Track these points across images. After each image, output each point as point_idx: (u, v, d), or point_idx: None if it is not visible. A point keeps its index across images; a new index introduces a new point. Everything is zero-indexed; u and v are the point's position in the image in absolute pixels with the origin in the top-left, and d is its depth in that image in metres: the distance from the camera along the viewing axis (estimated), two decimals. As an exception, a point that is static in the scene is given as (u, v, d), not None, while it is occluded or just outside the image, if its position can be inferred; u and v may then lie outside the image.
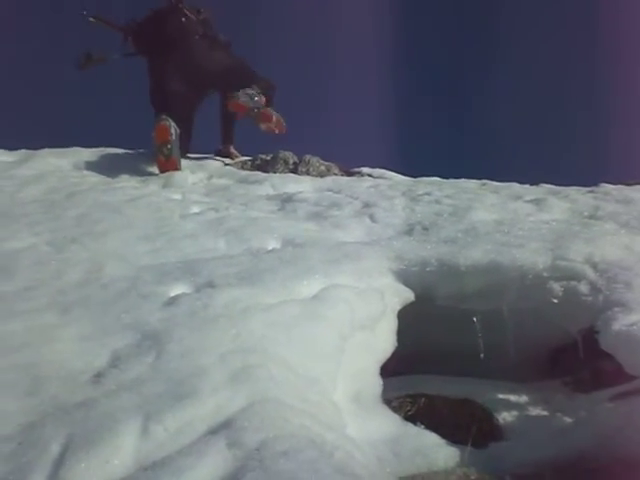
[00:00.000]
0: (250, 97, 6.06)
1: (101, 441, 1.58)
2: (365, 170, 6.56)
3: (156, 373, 1.90)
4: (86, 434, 1.61)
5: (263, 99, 6.19)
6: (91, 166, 5.71)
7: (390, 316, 2.68)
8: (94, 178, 5.26)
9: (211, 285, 2.55)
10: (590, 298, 2.72)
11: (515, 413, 2.83)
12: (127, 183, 5.06)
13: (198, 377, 1.84)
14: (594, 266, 2.88)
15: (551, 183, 5.68)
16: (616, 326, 2.41)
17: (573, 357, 2.94)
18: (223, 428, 1.61)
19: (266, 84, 6.39)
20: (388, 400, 2.62)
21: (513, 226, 3.45)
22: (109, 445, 1.57)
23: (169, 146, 5.49)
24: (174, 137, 5.53)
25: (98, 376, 1.93)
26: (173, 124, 5.58)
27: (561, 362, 3.32)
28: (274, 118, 6.22)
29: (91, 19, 6.38)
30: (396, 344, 2.63)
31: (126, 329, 2.22)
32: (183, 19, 6.25)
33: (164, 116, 5.62)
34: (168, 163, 5.50)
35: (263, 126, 6.20)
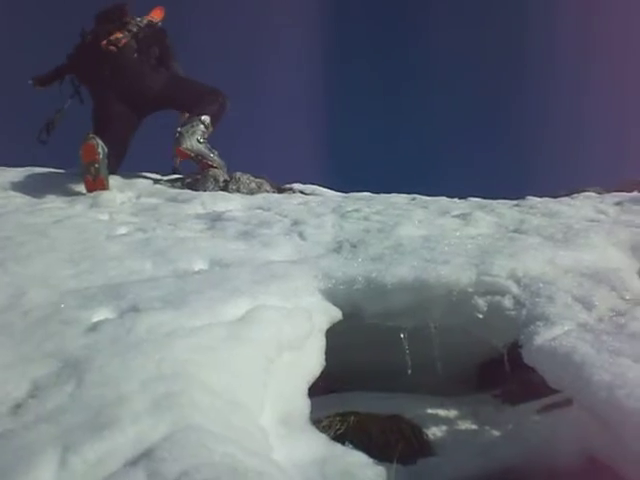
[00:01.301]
0: (197, 138, 6.05)
1: (18, 474, 1.54)
2: (297, 186, 6.57)
3: (76, 403, 1.86)
4: (2, 467, 1.57)
5: (211, 129, 6.20)
6: (17, 186, 5.60)
7: (318, 335, 2.67)
8: (19, 199, 5.16)
9: (135, 309, 2.51)
10: (514, 312, 2.77)
11: (444, 428, 2.85)
12: (53, 204, 4.97)
13: (119, 406, 1.80)
14: (518, 281, 2.92)
15: (479, 196, 5.78)
16: (538, 341, 2.45)
17: (501, 370, 2.98)
18: (143, 458, 1.58)
19: (214, 100, 6.39)
20: (318, 420, 2.62)
21: (439, 242, 3.48)
22: (26, 478, 1.53)
23: (96, 165, 5.41)
24: (102, 156, 5.45)
25: (17, 407, 1.89)
26: (101, 143, 5.50)
27: (489, 375, 3.36)
28: (216, 165, 6.25)
29: (36, 86, 6.48)
30: (324, 363, 2.62)
31: (47, 357, 2.17)
32: (112, 47, 6.21)
33: (91, 135, 5.56)
34: (96, 182, 5.41)
35: None
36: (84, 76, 6.43)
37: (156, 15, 7.14)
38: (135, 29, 6.49)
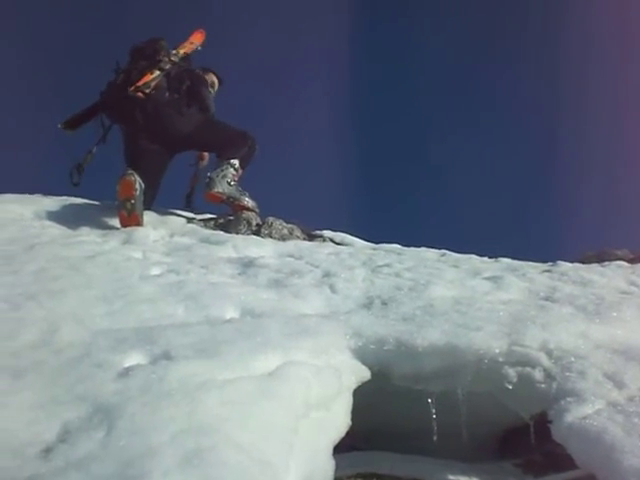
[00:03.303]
0: (227, 181, 6.12)
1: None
2: (327, 234, 6.59)
3: (105, 451, 1.87)
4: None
5: (241, 172, 6.25)
6: (52, 216, 5.66)
7: (346, 395, 2.67)
8: (55, 230, 5.21)
9: (167, 356, 2.52)
10: (544, 385, 2.76)
11: (465, 495, 2.83)
12: (87, 237, 5.01)
13: (148, 458, 1.80)
14: (549, 353, 2.91)
15: (509, 256, 5.77)
16: (569, 418, 2.44)
17: (525, 440, 2.96)
18: (172, 516, 1.59)
19: (244, 143, 6.45)
20: (339, 479, 2.60)
21: (471, 305, 3.48)
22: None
23: (132, 201, 5.46)
24: (138, 192, 5.50)
25: (47, 451, 1.89)
26: (138, 179, 5.55)
27: (513, 444, 3.33)
28: (249, 207, 6.31)
29: (67, 130, 6.50)
30: (350, 423, 2.61)
31: (78, 400, 2.18)
32: (139, 94, 6.25)
33: (130, 171, 5.60)
34: (130, 218, 5.47)
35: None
36: (115, 116, 6.50)
37: (196, 39, 7.22)
38: (168, 66, 6.53)
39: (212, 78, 7.14)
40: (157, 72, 6.41)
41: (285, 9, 22.51)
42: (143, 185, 5.61)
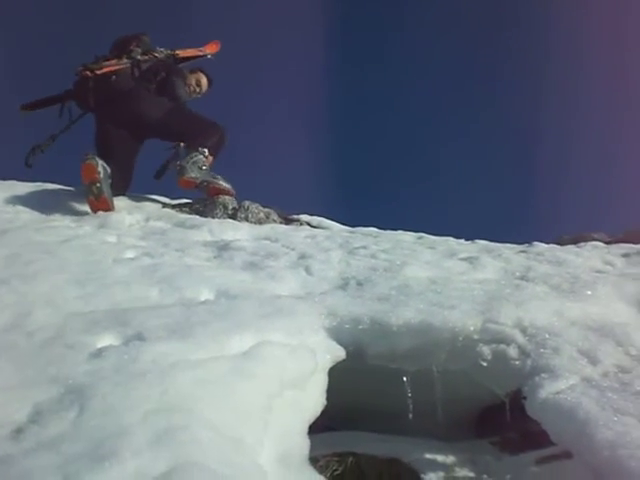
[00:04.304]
0: (198, 166, 6.08)
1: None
2: (304, 218, 6.57)
3: (77, 431, 1.85)
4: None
5: (211, 159, 6.23)
6: (26, 202, 5.60)
7: (321, 374, 2.66)
8: (28, 215, 5.17)
9: (140, 337, 2.50)
10: (518, 362, 2.77)
11: (442, 474, 2.84)
12: (61, 222, 4.97)
13: (120, 437, 1.79)
14: (524, 330, 2.93)
15: (484, 237, 5.78)
16: (542, 394, 2.45)
17: (501, 417, 2.97)
18: (142, 494, 1.58)
19: (213, 133, 6.42)
20: (315, 459, 2.60)
21: (446, 285, 3.48)
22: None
23: (98, 184, 5.41)
24: (102, 175, 5.45)
25: (18, 431, 1.88)
26: (100, 162, 5.52)
27: (489, 422, 3.34)
28: (223, 188, 6.28)
29: (23, 110, 6.49)
30: (325, 402, 2.61)
31: (50, 382, 2.16)
32: (113, 77, 6.25)
33: (90, 155, 5.57)
34: (99, 202, 5.42)
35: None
36: (82, 103, 6.46)
37: (210, 49, 7.22)
38: (139, 57, 6.51)
39: (200, 77, 7.09)
40: (124, 60, 6.40)
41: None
42: (108, 168, 5.58)
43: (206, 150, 6.17)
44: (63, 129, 6.48)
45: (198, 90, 7.03)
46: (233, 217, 5.85)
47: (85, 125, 6.59)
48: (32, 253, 3.81)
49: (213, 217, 5.77)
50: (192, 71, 7.04)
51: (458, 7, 23.67)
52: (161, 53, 6.72)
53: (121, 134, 6.27)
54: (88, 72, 6.19)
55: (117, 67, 6.33)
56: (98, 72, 6.20)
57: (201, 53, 7.09)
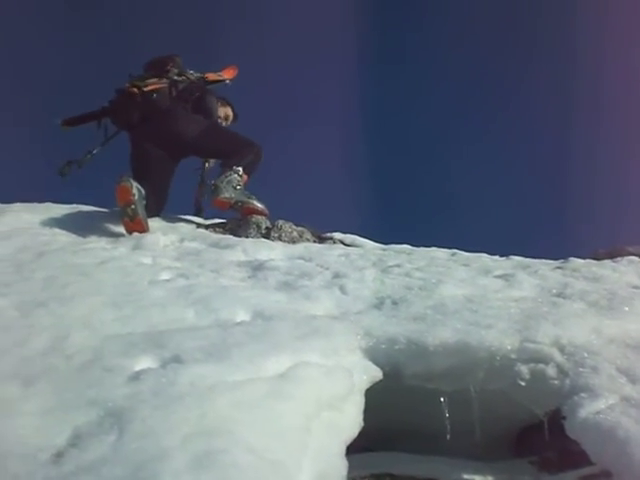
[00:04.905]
0: (232, 186, 6.12)
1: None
2: (337, 236, 6.56)
3: (117, 454, 1.87)
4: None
5: (245, 177, 6.26)
6: (62, 224, 5.66)
7: (357, 395, 2.65)
8: (64, 237, 5.21)
9: (178, 360, 2.51)
10: (557, 382, 2.75)
11: (480, 495, 2.82)
12: (97, 244, 5.01)
13: (160, 461, 1.80)
14: (562, 349, 2.90)
15: (520, 254, 5.75)
16: (582, 414, 2.43)
17: (539, 437, 2.94)
18: (183, 518, 1.58)
19: (249, 151, 6.46)
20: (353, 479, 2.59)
21: (482, 304, 3.46)
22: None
23: (133, 206, 5.45)
24: (137, 197, 5.49)
25: (58, 455, 1.90)
26: (135, 184, 5.56)
27: (527, 441, 3.31)
28: (257, 208, 6.30)
29: (62, 127, 6.54)
30: (362, 423, 2.60)
31: (89, 405, 2.18)
32: (154, 96, 6.35)
33: (125, 177, 5.61)
34: (134, 224, 5.46)
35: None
36: (120, 121, 6.54)
37: (227, 74, 7.28)
38: (176, 77, 6.62)
39: (228, 111, 7.24)
40: (164, 80, 6.50)
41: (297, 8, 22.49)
42: (142, 190, 5.62)
43: (241, 169, 6.20)
44: (99, 146, 6.57)
45: (224, 124, 7.16)
46: (266, 236, 5.86)
47: (113, 146, 6.69)
48: (69, 275, 3.84)
49: (247, 237, 5.78)
50: (221, 103, 7.15)
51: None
52: (192, 75, 6.81)
53: (158, 154, 6.32)
54: (135, 89, 6.31)
55: (159, 85, 6.44)
56: (145, 89, 6.31)
57: (220, 78, 7.15)
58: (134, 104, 6.32)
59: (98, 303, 3.33)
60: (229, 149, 6.41)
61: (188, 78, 6.73)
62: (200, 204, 7.05)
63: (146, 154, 6.35)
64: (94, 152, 6.52)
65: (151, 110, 6.32)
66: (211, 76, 7.07)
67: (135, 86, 6.32)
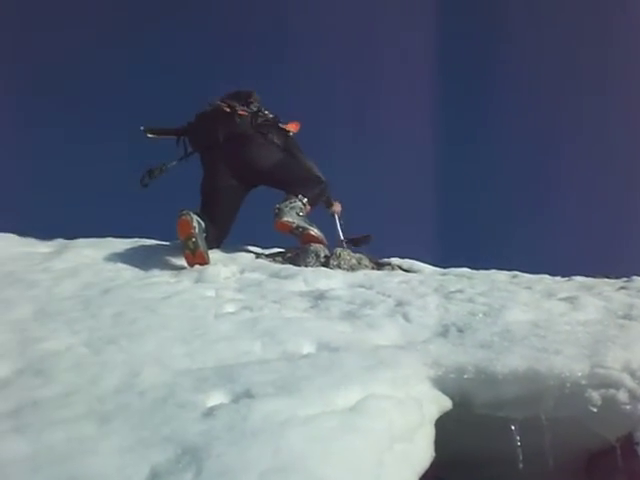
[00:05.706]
0: (296, 212, 6.20)
1: None
2: (395, 261, 6.56)
3: (196, 493, 1.90)
4: None
5: (308, 208, 6.34)
6: (125, 259, 5.75)
7: (428, 426, 2.66)
8: (128, 272, 5.30)
9: (249, 394, 2.55)
10: (629, 407, 2.74)
11: (553, 523, 2.79)
12: (160, 278, 5.09)
13: (239, 498, 1.83)
14: (632, 373, 2.87)
15: (581, 273, 5.69)
16: (656, 439, 2.39)
17: (611, 462, 2.90)
18: None
19: (314, 186, 6.56)
20: (426, 510, 2.59)
21: (549, 329, 3.44)
22: None
23: (194, 239, 5.54)
24: (197, 230, 5.58)
25: (138, 494, 1.94)
26: (195, 217, 5.66)
27: (599, 467, 3.26)
28: (316, 236, 6.35)
29: (149, 135, 6.71)
30: (434, 454, 2.60)
31: (165, 442, 2.22)
32: (237, 119, 6.48)
33: (185, 210, 5.70)
34: (195, 257, 5.54)
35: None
36: (198, 141, 6.67)
37: (291, 127, 7.38)
38: (256, 110, 6.74)
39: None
40: (247, 109, 6.67)
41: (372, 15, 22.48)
42: (202, 222, 5.71)
43: (305, 199, 6.28)
44: (176, 160, 6.72)
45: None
46: (325, 265, 5.88)
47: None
48: (136, 311, 3.92)
49: (306, 266, 5.80)
50: None
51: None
52: (269, 114, 6.90)
53: (231, 183, 6.41)
54: (228, 108, 6.46)
55: (245, 112, 6.60)
56: (238, 110, 6.48)
57: (287, 128, 7.23)
58: (221, 122, 6.47)
59: (167, 338, 3.39)
60: (296, 182, 6.49)
61: (266, 114, 6.84)
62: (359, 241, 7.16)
63: (219, 182, 6.43)
64: (169, 165, 6.65)
65: (233, 132, 6.45)
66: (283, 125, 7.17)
67: (229, 105, 6.47)
